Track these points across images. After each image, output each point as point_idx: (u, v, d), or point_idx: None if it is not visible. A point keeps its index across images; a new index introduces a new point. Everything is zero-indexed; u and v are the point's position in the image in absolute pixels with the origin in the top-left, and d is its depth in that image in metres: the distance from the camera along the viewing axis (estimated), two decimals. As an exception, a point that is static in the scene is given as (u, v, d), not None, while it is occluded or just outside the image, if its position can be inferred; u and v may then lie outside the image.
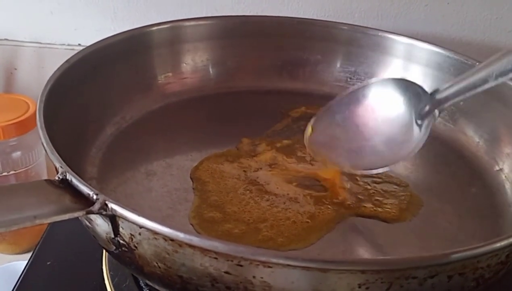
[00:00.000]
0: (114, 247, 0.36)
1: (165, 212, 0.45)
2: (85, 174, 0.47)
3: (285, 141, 0.54)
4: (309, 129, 0.50)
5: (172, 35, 0.59)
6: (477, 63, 0.53)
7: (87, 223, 0.36)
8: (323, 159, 0.49)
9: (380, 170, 0.47)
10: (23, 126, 0.60)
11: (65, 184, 0.35)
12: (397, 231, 0.45)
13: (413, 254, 0.32)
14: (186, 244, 0.31)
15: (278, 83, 0.63)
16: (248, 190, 0.47)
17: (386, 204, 0.47)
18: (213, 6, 0.68)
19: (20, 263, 0.56)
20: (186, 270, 0.33)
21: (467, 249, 0.32)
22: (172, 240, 0.32)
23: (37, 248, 0.52)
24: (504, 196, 0.49)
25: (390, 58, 0.60)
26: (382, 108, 0.49)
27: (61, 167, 0.36)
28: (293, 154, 0.52)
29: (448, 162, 0.54)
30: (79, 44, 0.71)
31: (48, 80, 0.45)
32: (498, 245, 0.32)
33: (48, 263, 0.50)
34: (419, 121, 0.46)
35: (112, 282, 0.46)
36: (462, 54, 0.56)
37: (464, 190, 0.50)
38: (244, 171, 0.50)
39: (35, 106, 0.56)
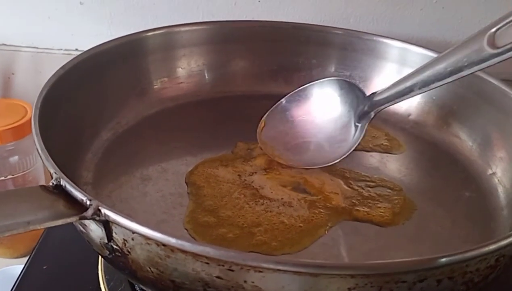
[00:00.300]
0: (108, 252, 0.36)
1: (160, 217, 0.45)
2: (81, 179, 0.47)
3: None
4: (261, 123, 0.53)
5: (168, 40, 0.60)
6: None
7: (81, 229, 0.37)
8: (271, 153, 0.52)
9: (319, 166, 0.50)
10: (21, 131, 0.60)
11: (59, 190, 0.35)
12: (390, 235, 0.45)
13: (402, 258, 0.32)
14: (178, 249, 0.32)
15: (273, 88, 0.63)
16: (242, 194, 0.47)
17: (379, 208, 0.47)
18: (209, 11, 0.68)
19: (16, 267, 0.57)
20: (179, 275, 0.33)
21: (455, 253, 0.32)
22: (164, 245, 0.32)
23: (33, 252, 0.52)
24: (497, 199, 0.50)
25: (385, 63, 0.61)
26: (326, 107, 0.52)
27: (55, 173, 0.36)
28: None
29: (442, 166, 0.54)
30: (76, 49, 0.71)
31: (43, 87, 0.46)
32: (486, 249, 0.33)
33: (44, 267, 0.51)
34: (357, 123, 0.50)
35: (108, 286, 0.46)
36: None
37: (457, 193, 0.51)
38: (239, 175, 0.50)
39: (32, 111, 0.57)
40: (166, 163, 0.51)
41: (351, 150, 0.50)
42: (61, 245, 0.53)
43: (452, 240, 0.45)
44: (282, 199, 0.47)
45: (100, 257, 0.48)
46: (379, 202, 0.48)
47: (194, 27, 0.61)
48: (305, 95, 0.53)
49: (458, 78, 0.43)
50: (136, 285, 0.45)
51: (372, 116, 0.50)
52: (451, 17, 0.66)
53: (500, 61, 0.40)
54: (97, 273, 0.47)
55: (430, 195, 0.50)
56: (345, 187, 0.49)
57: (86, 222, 0.35)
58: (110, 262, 0.38)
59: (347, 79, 0.53)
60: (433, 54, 0.58)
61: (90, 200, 0.34)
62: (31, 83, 0.72)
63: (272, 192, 0.48)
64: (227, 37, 0.62)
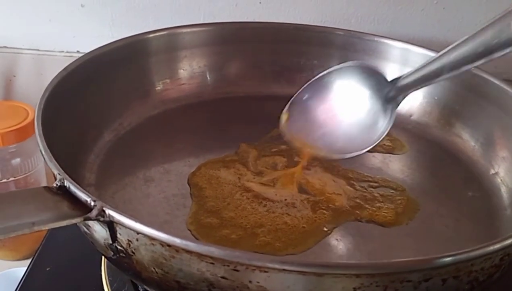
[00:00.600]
0: (112, 253, 0.36)
1: (163, 218, 0.45)
2: (84, 180, 0.47)
3: (283, 147, 0.55)
4: (284, 116, 0.52)
5: (169, 42, 0.60)
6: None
7: (85, 229, 0.37)
8: (300, 144, 0.51)
9: (354, 154, 0.48)
10: (22, 133, 0.60)
11: (63, 191, 0.35)
12: (393, 235, 0.45)
13: (406, 258, 0.32)
14: (183, 249, 0.32)
15: (275, 89, 0.63)
16: (245, 195, 0.47)
17: (382, 208, 0.47)
18: (210, 12, 0.68)
19: (19, 269, 0.57)
20: (183, 275, 0.33)
21: (460, 253, 0.32)
22: (169, 245, 0.32)
23: (36, 254, 0.52)
24: (500, 199, 0.50)
25: (386, 63, 0.61)
26: (349, 94, 0.50)
27: (59, 174, 0.36)
28: (290, 159, 0.53)
29: (444, 166, 0.54)
30: (78, 51, 0.71)
31: (46, 88, 0.46)
32: (491, 248, 0.33)
33: (47, 269, 0.51)
34: (384, 105, 0.48)
35: (111, 287, 0.46)
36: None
37: (460, 193, 0.51)
38: (241, 176, 0.50)
39: (34, 113, 0.57)
40: (169, 164, 0.51)
41: (384, 135, 0.48)
42: (64, 246, 0.53)
43: (455, 239, 0.45)
44: (285, 200, 0.47)
45: (103, 258, 0.48)
46: (382, 202, 0.48)
47: (196, 29, 0.61)
48: (324, 83, 0.51)
49: (489, 60, 0.40)
50: (139, 286, 0.45)
51: (400, 101, 0.48)
52: (452, 17, 0.67)
53: None
54: (100, 274, 0.47)
55: (433, 195, 0.50)
56: (348, 187, 0.49)
57: (90, 223, 0.35)
58: (114, 263, 0.38)
59: (367, 64, 0.51)
60: (434, 54, 0.58)
61: (94, 201, 0.34)
62: (33, 85, 0.72)
63: (275, 194, 0.48)
64: (229, 39, 0.62)
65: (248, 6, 0.68)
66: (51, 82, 0.47)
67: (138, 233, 0.33)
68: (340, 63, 0.61)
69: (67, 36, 0.71)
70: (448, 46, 0.66)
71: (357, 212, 0.47)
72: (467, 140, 0.56)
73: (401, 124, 0.59)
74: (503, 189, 0.51)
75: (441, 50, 0.58)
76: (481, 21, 0.66)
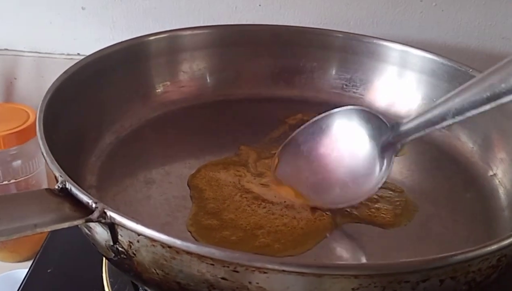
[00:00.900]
0: (113, 254, 0.36)
1: (164, 220, 0.45)
2: (85, 182, 0.48)
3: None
4: (275, 159, 0.50)
5: (170, 44, 0.60)
6: (470, 70, 0.55)
7: (87, 231, 0.37)
8: (289, 191, 0.48)
9: (346, 205, 0.46)
10: (23, 136, 0.60)
11: (64, 193, 0.36)
12: (392, 236, 0.45)
13: (406, 259, 0.33)
14: (184, 250, 0.32)
15: (275, 91, 0.63)
16: (244, 197, 0.48)
17: (381, 209, 0.47)
18: (210, 15, 0.68)
19: (20, 271, 0.57)
20: (184, 277, 0.34)
21: (458, 253, 0.32)
22: (169, 247, 0.32)
23: (37, 256, 0.53)
24: (498, 200, 0.50)
25: (385, 65, 0.61)
26: (345, 139, 0.48)
27: (60, 176, 0.36)
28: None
29: (443, 167, 0.54)
30: (78, 54, 0.72)
31: (47, 91, 0.46)
32: (488, 249, 0.33)
33: (48, 270, 0.51)
34: (382, 153, 0.46)
35: (112, 289, 0.46)
36: (456, 61, 0.57)
37: (459, 195, 0.51)
38: (240, 178, 0.50)
39: (35, 115, 0.57)
40: (169, 166, 0.51)
41: (379, 185, 0.45)
42: (65, 248, 0.53)
43: (454, 241, 0.46)
44: (284, 202, 0.48)
45: (104, 259, 0.48)
46: (381, 203, 0.48)
47: (196, 31, 0.62)
48: (320, 128, 0.49)
49: (497, 106, 0.38)
50: (140, 288, 0.45)
51: (398, 148, 0.45)
52: (451, 19, 0.67)
53: None
54: (102, 276, 0.47)
55: (431, 197, 0.50)
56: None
57: (92, 224, 0.35)
58: (115, 264, 0.38)
59: (367, 109, 0.48)
60: (433, 57, 0.58)
61: (95, 203, 0.34)
62: (34, 87, 0.72)
63: (275, 196, 0.48)
64: (229, 41, 0.62)
65: (247, 9, 0.68)
66: (52, 84, 0.47)
67: (139, 234, 0.33)
68: (339, 65, 0.62)
69: (68, 39, 0.71)
70: (447, 48, 0.68)
71: (356, 213, 0.47)
72: (466, 142, 0.56)
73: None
74: (501, 190, 0.51)
75: (440, 52, 0.59)
76: (480, 23, 0.67)
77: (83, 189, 0.35)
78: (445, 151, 0.56)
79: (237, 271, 0.32)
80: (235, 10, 0.68)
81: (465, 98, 0.39)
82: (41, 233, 0.33)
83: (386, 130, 0.46)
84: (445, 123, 0.41)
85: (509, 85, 0.36)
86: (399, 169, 0.53)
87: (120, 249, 0.35)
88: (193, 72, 0.62)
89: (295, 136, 0.50)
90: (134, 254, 0.35)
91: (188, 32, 0.61)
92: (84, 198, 0.35)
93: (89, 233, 0.37)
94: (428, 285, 0.33)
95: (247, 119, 0.60)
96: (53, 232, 0.54)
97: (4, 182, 0.62)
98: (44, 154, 0.39)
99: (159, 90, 0.60)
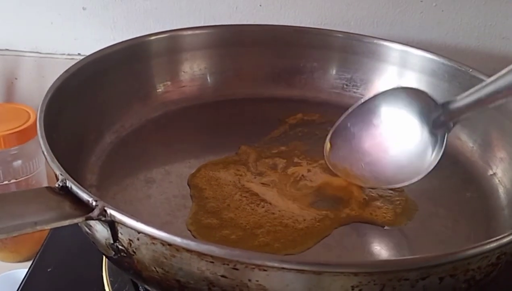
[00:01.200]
0: (113, 253, 0.36)
1: (164, 219, 0.45)
2: (85, 181, 0.48)
3: (282, 148, 0.55)
4: (327, 145, 0.50)
5: (170, 44, 0.60)
6: (470, 70, 0.55)
7: (87, 229, 0.37)
8: (345, 174, 0.49)
9: (402, 184, 0.47)
10: (24, 136, 0.60)
11: (65, 191, 0.36)
12: (392, 235, 0.45)
13: (403, 256, 0.33)
14: (183, 248, 0.32)
15: (275, 91, 0.63)
16: (244, 196, 0.48)
17: (381, 208, 0.47)
18: (211, 15, 0.68)
19: (21, 271, 0.57)
20: (184, 274, 0.34)
21: (457, 251, 0.32)
22: (169, 244, 0.32)
23: (38, 255, 0.53)
24: (498, 200, 0.50)
25: (385, 65, 0.61)
26: (395, 119, 0.49)
27: (61, 174, 0.36)
28: (290, 160, 0.53)
29: (443, 166, 0.54)
30: (79, 54, 0.72)
31: (48, 90, 0.46)
32: (488, 247, 0.33)
33: (48, 270, 0.51)
34: (434, 131, 0.46)
35: (112, 288, 0.46)
36: (456, 61, 0.57)
37: (459, 194, 0.51)
38: (240, 177, 0.50)
39: (35, 115, 0.57)
40: (169, 166, 0.51)
41: (435, 164, 0.46)
42: (65, 247, 0.53)
43: (453, 240, 0.46)
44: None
45: (104, 259, 0.48)
46: (381, 203, 0.48)
47: (197, 31, 0.62)
48: (368, 109, 0.49)
49: None
50: (140, 287, 0.45)
51: (451, 126, 0.46)
52: (451, 19, 0.67)
53: None
54: (102, 275, 0.47)
55: (431, 196, 0.50)
56: (348, 188, 0.50)
57: (92, 222, 0.35)
58: (115, 262, 0.38)
59: (415, 87, 0.49)
60: (433, 57, 0.58)
61: (96, 201, 0.34)
62: (34, 88, 0.72)
63: (275, 195, 0.48)
64: (229, 41, 0.63)
65: (248, 9, 0.68)
66: (53, 84, 0.47)
67: (139, 232, 0.33)
68: (339, 65, 0.62)
69: (69, 39, 0.71)
70: (447, 48, 0.68)
71: (356, 212, 0.47)
72: (465, 141, 0.56)
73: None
74: (501, 190, 0.51)
75: (440, 52, 0.59)
76: (480, 23, 0.67)
77: (84, 188, 0.36)
78: (445, 150, 0.56)
79: (236, 269, 0.32)
80: (236, 10, 0.68)
81: None
82: (42, 231, 0.33)
83: (436, 108, 0.46)
84: (497, 102, 0.42)
85: None
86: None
87: (120, 247, 0.35)
88: (193, 72, 0.62)
89: (344, 120, 0.50)
90: (134, 252, 0.35)
91: (189, 32, 0.61)
92: (85, 196, 0.35)
93: (89, 231, 0.37)
94: (428, 283, 0.33)
95: (247, 119, 0.60)
96: (53, 232, 0.55)
97: (5, 182, 0.62)
98: (45, 152, 0.39)
99: (159, 90, 0.60)
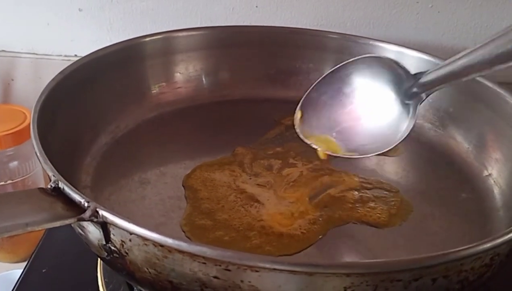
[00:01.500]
0: (106, 254, 0.36)
1: (158, 220, 0.45)
2: (80, 182, 0.48)
3: (278, 149, 0.55)
4: (298, 114, 0.49)
5: (166, 46, 0.60)
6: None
7: (80, 230, 0.37)
8: (316, 141, 0.48)
9: (373, 154, 0.47)
10: (20, 137, 0.60)
11: (57, 192, 0.36)
12: (387, 236, 0.45)
13: (397, 257, 0.33)
14: (175, 249, 0.32)
15: (271, 92, 0.63)
16: (239, 197, 0.48)
17: (376, 209, 0.47)
18: (207, 16, 0.68)
19: (17, 271, 0.57)
20: (176, 275, 0.34)
21: (450, 252, 0.32)
22: (161, 245, 0.32)
23: (32, 256, 0.52)
24: (493, 200, 0.50)
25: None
26: (366, 87, 0.48)
27: (53, 175, 0.36)
28: (285, 161, 0.53)
29: (438, 167, 0.54)
30: (75, 55, 0.72)
31: (42, 91, 0.46)
32: (481, 247, 0.33)
33: (43, 270, 0.51)
34: (406, 101, 0.46)
35: (107, 289, 0.46)
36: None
37: (454, 195, 0.51)
38: (235, 179, 0.50)
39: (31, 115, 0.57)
40: (164, 167, 0.51)
41: (406, 135, 0.45)
42: (60, 248, 0.53)
43: (448, 240, 0.45)
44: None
45: (99, 260, 0.48)
46: (376, 203, 0.48)
47: (192, 33, 0.62)
48: (339, 77, 0.48)
49: None
50: (135, 288, 0.45)
51: (423, 98, 0.45)
52: (447, 21, 0.67)
53: None
54: (96, 276, 0.47)
55: (426, 197, 0.50)
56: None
57: (84, 223, 0.35)
58: (108, 263, 0.38)
59: (386, 56, 0.48)
60: (429, 58, 0.58)
61: (88, 202, 0.34)
62: (31, 89, 0.72)
63: (269, 197, 0.48)
64: (225, 42, 0.63)
65: (244, 10, 0.68)
66: (47, 85, 0.47)
67: (131, 233, 0.33)
68: (334, 66, 0.62)
69: (65, 40, 0.71)
70: (443, 49, 0.68)
71: (351, 213, 0.47)
72: (461, 142, 0.56)
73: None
74: (496, 190, 0.51)
75: (436, 53, 0.59)
76: (476, 24, 0.67)
77: (78, 189, 0.36)
78: (441, 151, 0.56)
79: (229, 270, 0.32)
80: (232, 11, 0.68)
81: (493, 49, 0.37)
82: (35, 231, 0.33)
83: (409, 78, 0.45)
84: (470, 76, 0.40)
85: None
86: (394, 169, 0.54)
87: (112, 248, 0.35)
88: (189, 73, 0.62)
89: (315, 88, 0.49)
90: (127, 253, 0.35)
91: (184, 33, 0.61)
92: (76, 197, 0.35)
93: (82, 232, 0.37)
94: (421, 284, 0.33)
95: (243, 120, 0.60)
96: (48, 232, 0.55)
97: (1, 183, 0.62)
98: (38, 154, 0.39)
99: (155, 91, 0.60)
